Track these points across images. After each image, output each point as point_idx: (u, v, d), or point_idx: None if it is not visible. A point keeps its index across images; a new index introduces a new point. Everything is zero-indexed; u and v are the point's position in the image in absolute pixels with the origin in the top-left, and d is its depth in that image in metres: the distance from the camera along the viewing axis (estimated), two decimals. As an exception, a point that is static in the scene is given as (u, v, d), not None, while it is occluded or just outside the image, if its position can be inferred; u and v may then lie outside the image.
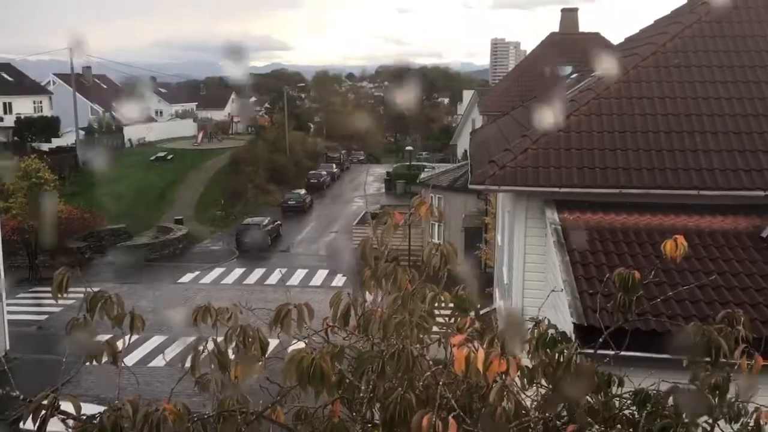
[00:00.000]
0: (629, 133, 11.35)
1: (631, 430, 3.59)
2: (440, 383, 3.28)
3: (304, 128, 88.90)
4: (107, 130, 65.55)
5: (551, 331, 3.72)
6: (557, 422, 3.54)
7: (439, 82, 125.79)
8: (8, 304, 26.18)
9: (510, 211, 12.78)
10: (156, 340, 24.37)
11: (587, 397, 3.60)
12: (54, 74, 75.14)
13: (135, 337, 3.47)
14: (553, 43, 37.13)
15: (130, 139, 67.51)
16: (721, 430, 3.55)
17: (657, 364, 6.65)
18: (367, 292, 3.88)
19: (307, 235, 46.47)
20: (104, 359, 3.30)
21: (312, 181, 62.14)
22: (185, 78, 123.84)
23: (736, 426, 3.50)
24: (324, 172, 65.75)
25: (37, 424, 3.07)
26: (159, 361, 21.78)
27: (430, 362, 3.69)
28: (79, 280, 3.39)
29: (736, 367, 3.44)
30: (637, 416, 3.63)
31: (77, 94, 59.97)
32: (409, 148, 69.80)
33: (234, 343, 3.27)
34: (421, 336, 3.69)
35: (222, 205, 50.79)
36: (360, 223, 41.18)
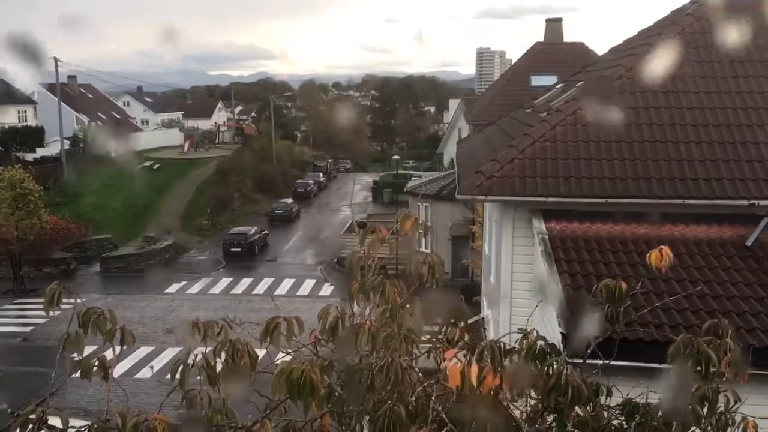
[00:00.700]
0: (614, 143, 11.45)
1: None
2: (432, 397, 3.28)
3: (290, 137, 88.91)
4: (92, 139, 65.14)
5: (540, 342, 3.74)
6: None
7: (426, 91, 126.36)
8: (-8, 316, 25.93)
9: (497, 221, 12.83)
10: (143, 351, 24.20)
11: (576, 408, 3.61)
12: (39, 83, 74.66)
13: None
14: (538, 52, 37.39)
15: (116, 149, 67.14)
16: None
17: (645, 373, 6.69)
18: (355, 305, 3.89)
19: (294, 244, 46.38)
20: (95, 375, 3.28)
21: (299, 190, 62.13)
22: (171, 87, 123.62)
23: (724, 436, 3.53)
24: (311, 181, 65.74)
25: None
26: (146, 373, 21.62)
27: (420, 374, 3.69)
28: (68, 292, 3.38)
29: (723, 378, 3.47)
30: (625, 426, 3.64)
31: (62, 103, 59.60)
32: (396, 156, 69.94)
33: (223, 357, 3.26)
34: (410, 348, 3.69)
35: (208, 214, 50.60)
36: (347, 232, 41.15)
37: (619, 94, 12.26)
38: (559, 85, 18.16)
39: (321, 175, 71.17)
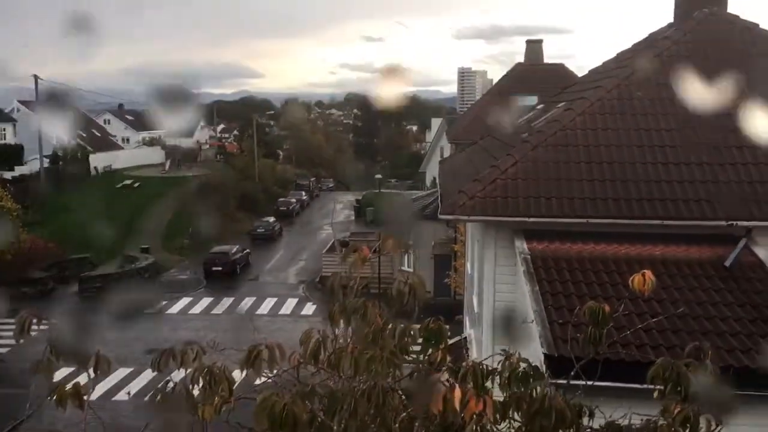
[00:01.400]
0: (595, 163, 11.55)
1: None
2: (415, 423, 3.26)
3: (273, 155, 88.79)
4: (72, 157, 64.58)
5: (523, 365, 3.73)
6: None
7: (408, 110, 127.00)
8: (-33, 337, 25.41)
9: (479, 240, 12.85)
10: (121, 372, 23.82)
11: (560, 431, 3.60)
12: (18, 101, 73.99)
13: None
14: (518, 73, 37.82)
15: (96, 167, 66.56)
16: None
17: (627, 393, 6.69)
18: (336, 328, 3.86)
19: (276, 263, 46.13)
20: (70, 404, 3.21)
21: (281, 208, 61.93)
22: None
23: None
24: (293, 200, 65.61)
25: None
26: (123, 395, 21.29)
27: (403, 397, 3.66)
28: (43, 313, 3.33)
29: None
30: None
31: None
32: (378, 176, 70.02)
33: (201, 383, 3.21)
34: (392, 371, 3.67)
35: (189, 233, 50.22)
36: (329, 251, 41.04)
37: (600, 115, 12.39)
38: (540, 106, 18.34)
39: (303, 193, 71.12)
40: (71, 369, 3.42)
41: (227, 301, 36.23)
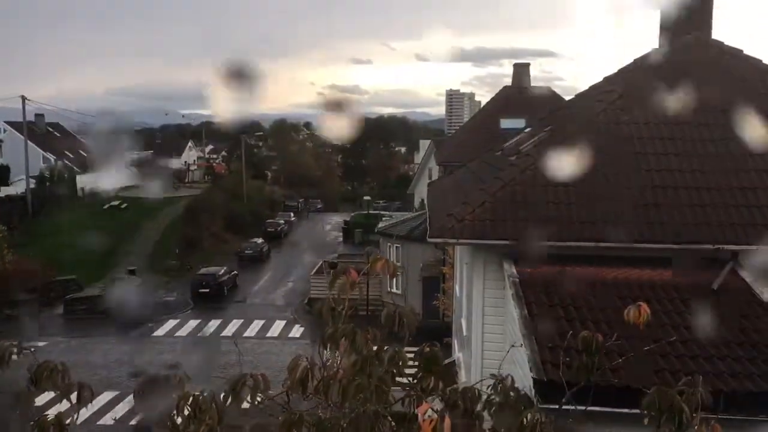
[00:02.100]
0: (584, 187, 11.58)
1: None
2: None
3: (261, 176, 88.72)
4: (59, 178, 64.24)
5: (512, 393, 3.71)
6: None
7: (396, 132, 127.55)
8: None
9: (468, 263, 12.84)
10: (106, 396, 23.48)
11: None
12: (5, 122, 73.69)
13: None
14: (506, 96, 38.10)
15: (83, 188, 66.24)
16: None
17: (617, 418, 6.68)
18: (325, 352, 3.82)
19: (264, 284, 45.88)
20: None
21: (269, 229, 61.74)
22: (141, 126, 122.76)
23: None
24: (281, 221, 65.47)
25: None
26: (109, 420, 20.99)
27: (393, 423, 3.62)
28: (26, 335, 3.28)
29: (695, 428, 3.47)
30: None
31: (29, 142, 58.83)
32: (367, 197, 70.09)
33: (186, 413, 3.16)
34: (383, 396, 3.63)
35: (177, 254, 49.89)
36: (317, 273, 40.88)
37: (588, 138, 12.46)
38: (527, 129, 18.44)
39: (292, 214, 71.08)
40: (54, 394, 3.36)
41: (215, 323, 35.93)
